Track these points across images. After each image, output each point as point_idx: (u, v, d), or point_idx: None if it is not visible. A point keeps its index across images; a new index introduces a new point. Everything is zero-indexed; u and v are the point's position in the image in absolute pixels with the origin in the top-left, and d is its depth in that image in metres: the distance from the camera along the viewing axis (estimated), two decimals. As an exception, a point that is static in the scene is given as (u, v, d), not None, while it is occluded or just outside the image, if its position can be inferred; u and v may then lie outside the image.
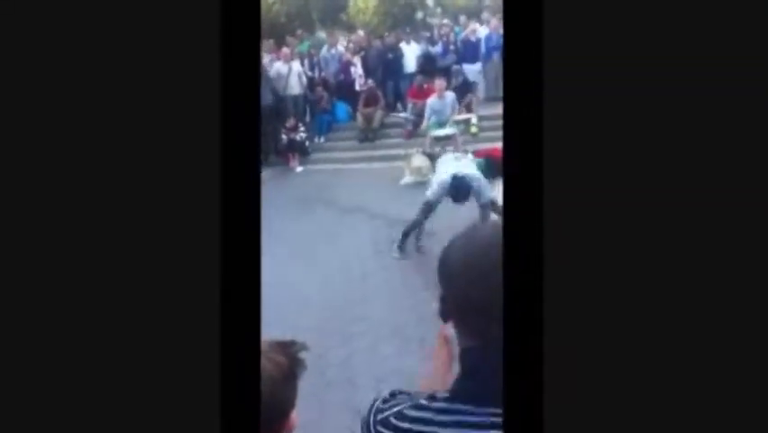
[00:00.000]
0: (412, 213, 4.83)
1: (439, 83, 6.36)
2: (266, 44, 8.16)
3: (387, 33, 10.06)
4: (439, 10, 17.40)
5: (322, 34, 11.73)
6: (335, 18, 16.19)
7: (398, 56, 8.37)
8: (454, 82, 7.65)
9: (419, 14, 16.22)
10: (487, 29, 8.66)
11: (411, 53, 8.43)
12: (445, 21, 10.52)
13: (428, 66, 8.00)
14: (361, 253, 4.49)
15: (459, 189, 3.81)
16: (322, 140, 8.19)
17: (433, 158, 6.47)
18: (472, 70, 8.34)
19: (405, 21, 14.51)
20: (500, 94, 8.38)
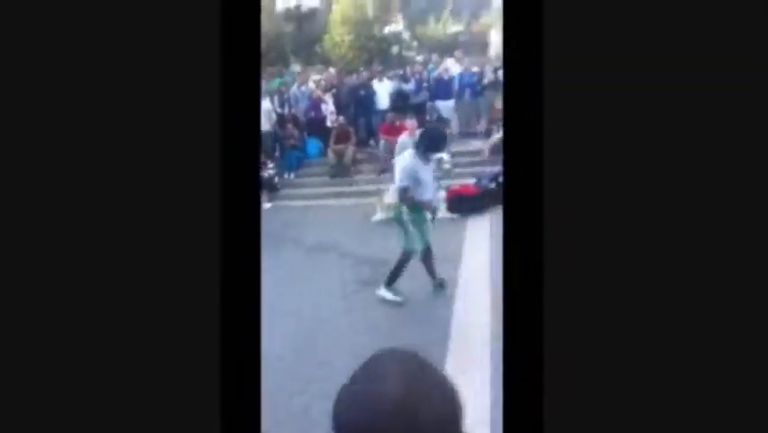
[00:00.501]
0: (383, 252, 4.75)
1: (410, 123, 6.39)
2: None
3: (361, 68, 10.18)
4: (415, 44, 17.82)
5: (296, 68, 11.81)
6: (310, 51, 16.38)
7: (370, 93, 8.42)
8: (429, 118, 7.71)
9: (395, 49, 16.55)
10: (459, 67, 8.82)
11: (383, 90, 8.49)
12: (419, 58, 10.72)
13: (400, 103, 8.05)
14: (329, 295, 4.35)
15: (432, 137, 3.69)
16: (292, 176, 8.10)
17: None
18: (446, 107, 8.44)
19: (381, 55, 14.75)
20: (472, 130, 8.55)
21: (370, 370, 0.55)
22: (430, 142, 3.69)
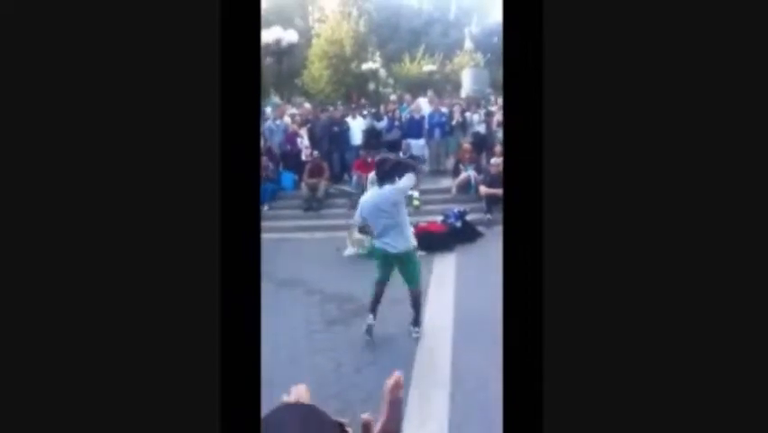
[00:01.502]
0: (351, 288, 4.80)
1: (379, 161, 6.57)
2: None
3: (339, 102, 10.41)
4: (391, 80, 18.27)
5: (277, 99, 11.98)
6: (290, 85, 16.64)
7: (344, 129, 8.63)
8: (402, 155, 7.94)
9: (371, 85, 16.96)
10: (430, 106, 9.13)
11: (357, 127, 8.72)
12: (393, 97, 11.03)
13: (373, 140, 8.27)
14: (293, 333, 4.37)
15: (382, 169, 3.73)
16: (265, 208, 8.16)
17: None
18: (417, 145, 8.69)
19: (357, 90, 15.10)
20: (441, 168, 8.78)
21: (267, 425, 0.59)
22: (383, 173, 3.77)
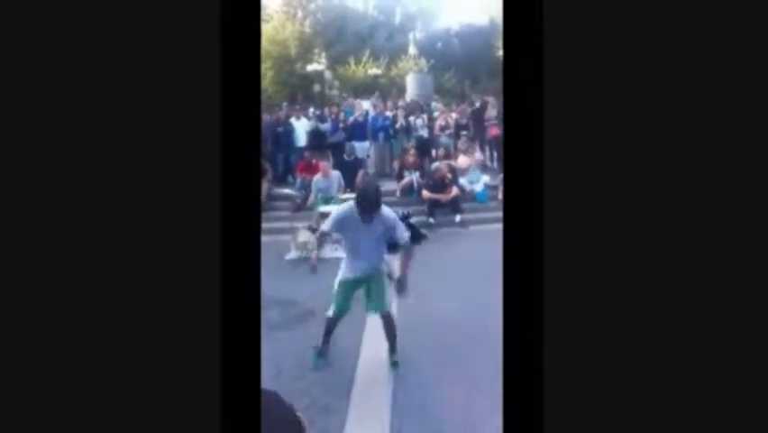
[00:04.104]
0: (293, 293, 4.70)
1: (323, 165, 6.57)
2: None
3: (285, 103, 10.27)
4: (337, 83, 18.21)
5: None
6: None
7: (288, 130, 8.52)
8: (347, 158, 7.92)
9: (317, 87, 16.81)
10: (375, 110, 9.18)
11: (302, 128, 8.63)
12: (344, 98, 11.00)
13: (317, 142, 8.22)
14: (233, 340, 4.25)
15: (366, 198, 3.13)
16: (205, 211, 7.91)
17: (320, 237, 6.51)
18: (361, 148, 8.70)
19: (303, 92, 14.93)
20: (385, 172, 8.84)
21: None
22: (365, 204, 3.16)
